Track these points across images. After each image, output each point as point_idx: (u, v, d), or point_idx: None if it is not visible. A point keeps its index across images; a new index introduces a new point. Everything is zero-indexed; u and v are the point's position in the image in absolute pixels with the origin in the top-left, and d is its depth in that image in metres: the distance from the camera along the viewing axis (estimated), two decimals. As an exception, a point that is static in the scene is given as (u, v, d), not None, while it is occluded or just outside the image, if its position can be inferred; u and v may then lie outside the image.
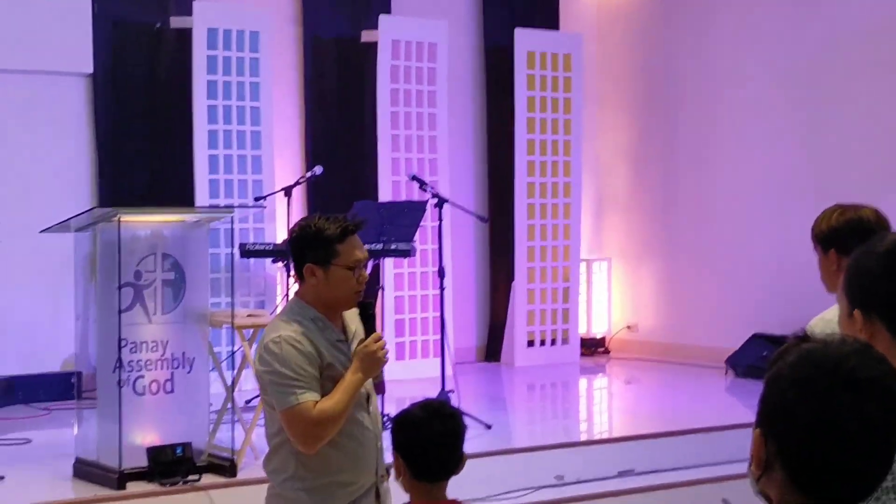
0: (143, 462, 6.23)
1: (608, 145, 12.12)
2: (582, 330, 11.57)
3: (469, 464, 3.48)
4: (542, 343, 11.17)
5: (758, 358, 9.76)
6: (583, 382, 10.93)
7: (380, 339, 3.92)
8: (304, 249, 3.93)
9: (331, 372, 3.87)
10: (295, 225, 4.06)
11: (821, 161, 10.17)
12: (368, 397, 4.01)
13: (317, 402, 3.79)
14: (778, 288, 10.33)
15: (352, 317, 4.05)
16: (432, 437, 3.35)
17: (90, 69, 9.40)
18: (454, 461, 3.39)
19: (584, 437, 8.28)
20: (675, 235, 11.46)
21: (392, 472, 3.54)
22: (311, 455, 3.85)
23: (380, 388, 4.02)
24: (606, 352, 11.77)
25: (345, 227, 3.92)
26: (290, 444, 3.87)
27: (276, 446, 3.96)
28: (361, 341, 3.93)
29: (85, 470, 6.43)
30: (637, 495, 6.99)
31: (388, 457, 3.62)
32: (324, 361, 3.86)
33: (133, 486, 6.16)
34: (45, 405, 8.70)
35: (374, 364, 3.88)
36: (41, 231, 6.69)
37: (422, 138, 10.50)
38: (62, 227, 6.51)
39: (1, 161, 9.07)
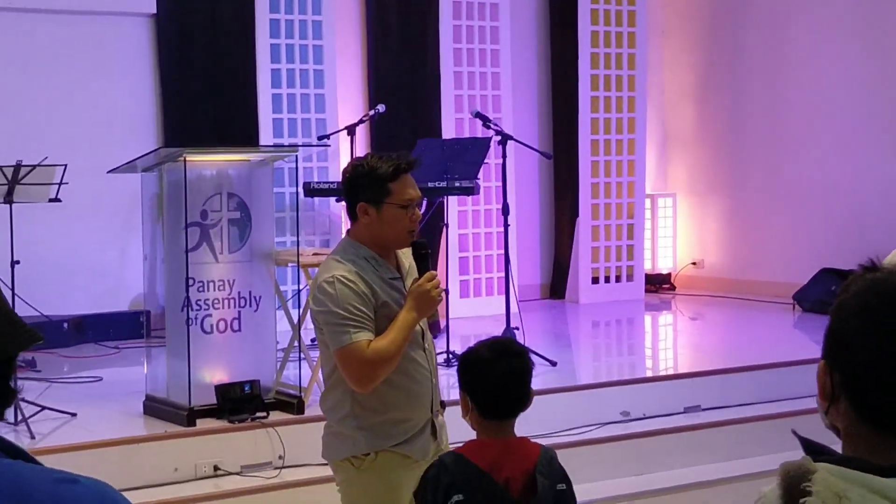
0: (211, 399, 6.30)
1: (673, 79, 11.99)
2: (647, 266, 11.52)
3: (535, 400, 3.48)
4: (607, 280, 11.14)
5: (826, 293, 9.66)
6: (648, 319, 10.90)
7: (434, 277, 3.91)
8: (357, 188, 3.93)
9: (386, 310, 3.87)
10: (348, 164, 4.07)
11: None
12: (423, 334, 4.01)
13: (371, 341, 3.79)
14: (847, 222, 10.22)
15: (406, 253, 4.05)
16: (500, 376, 3.34)
17: (153, 9, 9.42)
18: (522, 399, 3.38)
19: (649, 374, 8.26)
20: (742, 170, 11.34)
21: (455, 409, 3.54)
22: (367, 394, 3.86)
23: (435, 327, 4.02)
24: (672, 288, 11.71)
25: (397, 165, 3.90)
26: (346, 383, 3.89)
27: (332, 385, 3.99)
28: (415, 280, 3.93)
29: (155, 407, 6.52)
30: (704, 431, 6.98)
31: (450, 393, 3.61)
32: (378, 300, 3.86)
33: (203, 423, 6.23)
34: (114, 344, 8.82)
35: (428, 303, 3.87)
36: (108, 171, 6.74)
37: (485, 75, 10.45)
38: (129, 167, 6.55)
39: (67, 102, 9.15)
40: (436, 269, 3.98)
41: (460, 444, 3.47)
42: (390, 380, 3.87)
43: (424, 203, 8.73)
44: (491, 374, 3.35)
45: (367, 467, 3.90)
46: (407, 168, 3.93)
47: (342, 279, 3.82)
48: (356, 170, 3.96)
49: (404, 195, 3.89)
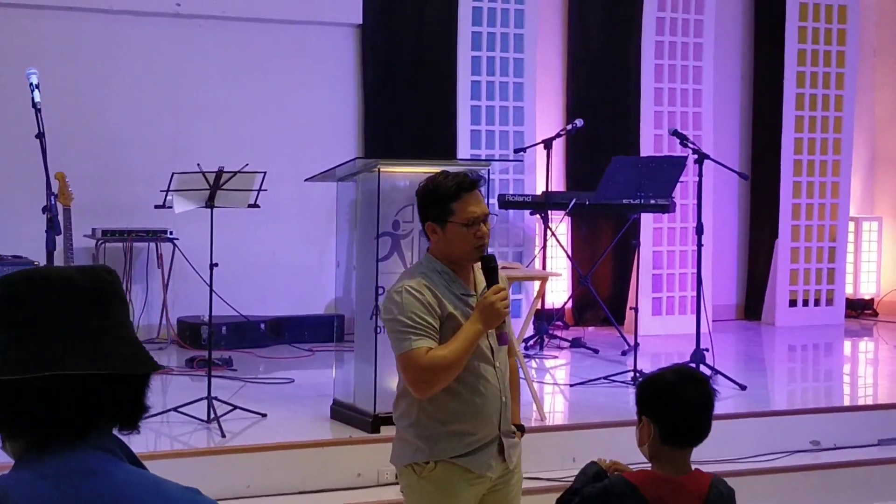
0: (397, 407, 6.36)
1: (883, 100, 11.63)
2: (848, 291, 11.20)
3: (721, 425, 3.41)
4: (805, 303, 10.87)
5: None
6: (847, 345, 10.58)
7: (501, 290, 3.94)
8: (425, 208, 4.04)
9: (453, 322, 3.93)
10: (422, 182, 4.09)
11: None
12: (494, 352, 4.04)
13: (430, 349, 3.86)
14: None
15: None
16: (687, 401, 3.29)
17: (360, 20, 9.62)
18: (705, 428, 3.33)
19: (845, 402, 8.02)
20: (953, 196, 10.93)
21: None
22: (431, 404, 3.94)
23: (502, 339, 4.04)
24: (874, 314, 11.35)
25: (460, 183, 3.97)
26: None
27: (401, 393, 4.08)
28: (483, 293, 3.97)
29: (341, 412, 6.64)
30: (898, 466, 6.76)
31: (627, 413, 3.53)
32: (444, 312, 3.93)
33: (387, 430, 6.30)
34: (309, 346, 9.02)
35: (493, 315, 3.90)
36: (306, 180, 6.89)
37: (686, 92, 10.32)
38: (326, 175, 6.69)
39: (271, 110, 9.40)
40: (505, 284, 4.04)
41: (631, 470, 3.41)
42: (455, 392, 3.95)
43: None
44: (679, 397, 3.30)
45: (427, 475, 3.98)
46: (471, 186, 3.99)
47: (409, 289, 3.92)
48: (423, 189, 4.06)
49: (466, 214, 3.95)
